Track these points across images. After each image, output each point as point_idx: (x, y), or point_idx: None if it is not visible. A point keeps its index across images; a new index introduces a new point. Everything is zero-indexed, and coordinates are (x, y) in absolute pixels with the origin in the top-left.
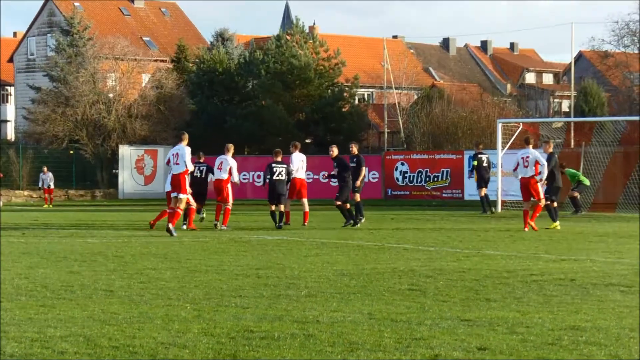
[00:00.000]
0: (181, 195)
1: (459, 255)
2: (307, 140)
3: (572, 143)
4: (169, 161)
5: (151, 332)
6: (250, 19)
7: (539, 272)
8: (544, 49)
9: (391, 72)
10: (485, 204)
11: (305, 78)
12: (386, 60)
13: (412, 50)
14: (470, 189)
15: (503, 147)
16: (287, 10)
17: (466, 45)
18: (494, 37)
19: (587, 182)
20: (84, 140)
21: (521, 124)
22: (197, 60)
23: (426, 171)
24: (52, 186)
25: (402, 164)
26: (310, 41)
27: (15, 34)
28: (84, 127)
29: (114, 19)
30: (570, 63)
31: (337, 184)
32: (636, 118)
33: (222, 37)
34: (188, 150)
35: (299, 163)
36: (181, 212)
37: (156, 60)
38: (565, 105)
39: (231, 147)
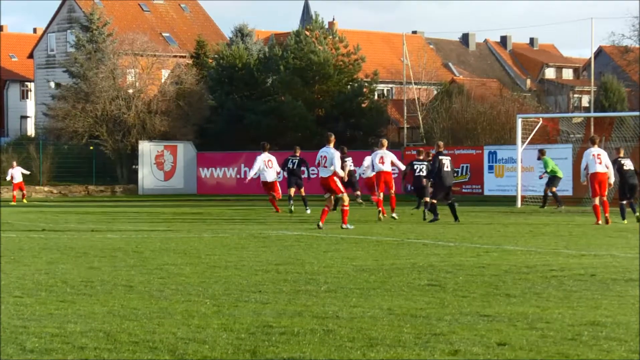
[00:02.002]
0: (339, 196)
1: (479, 251)
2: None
3: None
4: (319, 163)
5: (171, 327)
6: (269, 15)
7: (558, 268)
8: (564, 44)
9: (410, 67)
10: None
11: (325, 74)
12: (405, 56)
13: (431, 46)
14: (490, 185)
15: (523, 143)
16: (306, 6)
17: (486, 41)
18: (513, 33)
19: (561, 174)
20: (103, 136)
21: (541, 119)
22: (216, 56)
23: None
24: (20, 180)
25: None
26: (330, 37)
27: (35, 30)
28: (103, 122)
29: (134, 15)
30: (590, 58)
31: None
32: None
33: (241, 33)
34: (337, 154)
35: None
36: (347, 209)
37: (176, 56)
38: (585, 101)
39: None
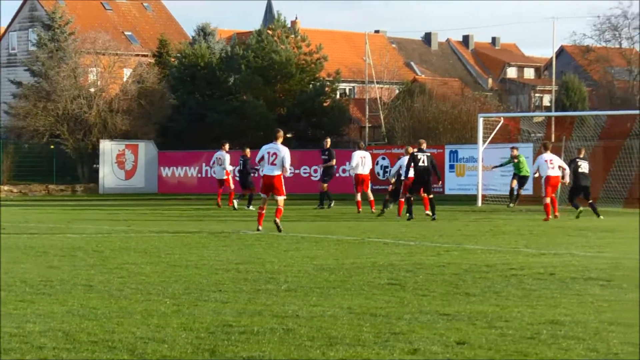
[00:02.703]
0: (280, 198)
1: (439, 250)
2: (289, 135)
3: (553, 137)
4: (262, 158)
5: (130, 326)
6: (233, 14)
7: (518, 266)
8: (526, 44)
9: (373, 66)
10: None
11: (287, 73)
12: (368, 55)
13: (394, 45)
14: (451, 184)
15: (484, 142)
16: (269, 6)
17: (448, 40)
18: (475, 32)
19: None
20: (64, 135)
21: (502, 118)
22: (178, 54)
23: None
24: None
25: (383, 158)
26: (292, 36)
27: None
28: (65, 121)
29: (96, 14)
30: (552, 57)
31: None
32: (615, 112)
33: (204, 32)
34: (288, 152)
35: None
36: (282, 209)
37: (138, 55)
38: (546, 100)
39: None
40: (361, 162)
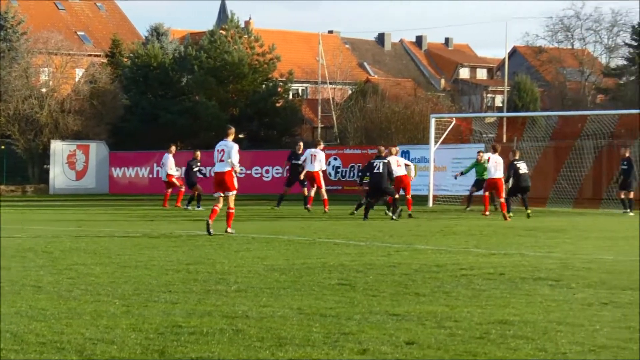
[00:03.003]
0: (230, 193)
1: (390, 250)
2: (241, 136)
3: (505, 138)
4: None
5: (79, 328)
6: (186, 14)
7: (468, 267)
8: (478, 44)
9: (326, 67)
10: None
11: (239, 73)
12: (321, 56)
13: (347, 46)
14: None
15: (436, 142)
16: (223, 6)
17: (401, 41)
18: (428, 33)
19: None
20: (15, 136)
21: (454, 119)
22: (131, 55)
23: (359, 166)
24: None
25: (335, 158)
26: (245, 36)
27: None
28: (15, 122)
29: (49, 14)
30: (504, 58)
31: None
32: (566, 113)
33: (157, 32)
34: (236, 147)
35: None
36: (233, 211)
37: (90, 55)
38: (498, 101)
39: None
40: (311, 159)
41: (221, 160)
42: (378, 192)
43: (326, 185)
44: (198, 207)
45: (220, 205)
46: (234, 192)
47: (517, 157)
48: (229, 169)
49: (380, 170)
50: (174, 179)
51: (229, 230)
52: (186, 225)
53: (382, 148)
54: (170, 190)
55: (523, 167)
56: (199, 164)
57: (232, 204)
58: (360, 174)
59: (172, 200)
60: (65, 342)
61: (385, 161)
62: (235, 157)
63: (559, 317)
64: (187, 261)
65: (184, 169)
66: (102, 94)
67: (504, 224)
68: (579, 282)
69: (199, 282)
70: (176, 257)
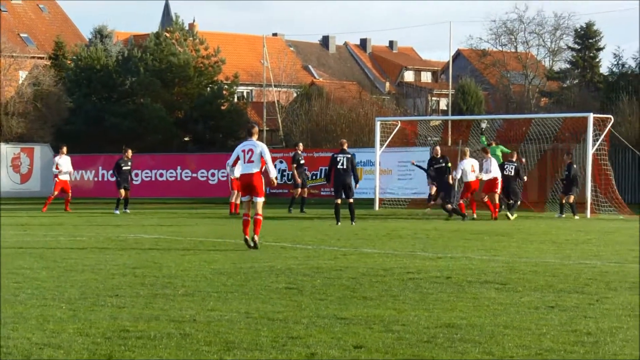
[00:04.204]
0: (258, 199)
1: (337, 254)
2: (186, 139)
3: (450, 141)
4: (236, 160)
5: (25, 332)
6: (129, 16)
7: (415, 270)
8: (423, 47)
9: (271, 69)
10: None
11: (185, 76)
12: (266, 58)
13: (291, 48)
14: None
15: (381, 145)
16: (167, 7)
17: (345, 44)
18: (373, 36)
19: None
20: None
21: (399, 122)
22: (75, 57)
23: (305, 169)
24: None
25: (281, 162)
26: (190, 39)
27: None
28: None
29: None
30: (449, 61)
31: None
32: (511, 116)
33: (100, 34)
34: (266, 147)
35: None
36: (262, 218)
37: (34, 57)
38: (443, 104)
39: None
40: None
41: (250, 161)
42: (343, 189)
43: (272, 188)
44: (125, 209)
45: (249, 212)
46: (262, 198)
47: (466, 157)
48: (257, 170)
49: (345, 166)
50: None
51: (256, 238)
52: (133, 229)
53: (344, 140)
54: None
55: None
56: (130, 163)
57: (260, 210)
58: (327, 170)
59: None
60: (11, 346)
61: (349, 156)
62: (269, 159)
63: (505, 321)
64: (133, 265)
65: (102, 172)
66: (46, 96)
67: (450, 227)
68: (525, 286)
69: (145, 286)
70: (122, 260)
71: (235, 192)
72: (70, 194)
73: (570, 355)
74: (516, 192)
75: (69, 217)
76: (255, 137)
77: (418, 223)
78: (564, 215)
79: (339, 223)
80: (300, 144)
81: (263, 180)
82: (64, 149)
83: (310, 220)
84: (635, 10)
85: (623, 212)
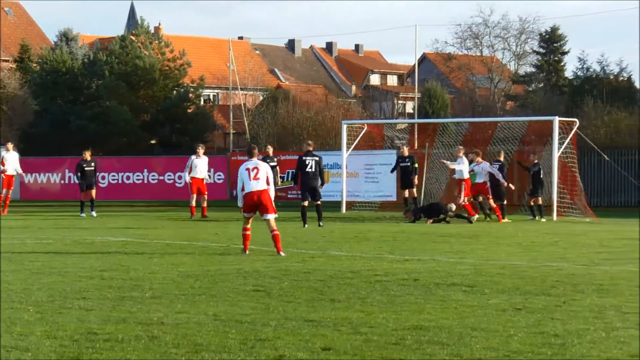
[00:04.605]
0: (270, 216)
1: (304, 256)
2: (152, 142)
3: (416, 144)
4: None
5: None
6: (95, 19)
7: (383, 273)
8: (388, 51)
9: (237, 73)
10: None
11: (150, 79)
12: (232, 61)
13: (257, 52)
14: None
15: (348, 148)
16: (132, 11)
17: (311, 47)
18: (339, 39)
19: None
20: None
21: (366, 125)
22: (40, 60)
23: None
24: None
25: None
26: (156, 42)
27: None
28: None
29: None
30: (414, 65)
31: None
32: (476, 120)
33: (66, 37)
34: (268, 166)
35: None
36: (279, 233)
37: None
38: (409, 107)
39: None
40: (193, 165)
41: (256, 178)
42: (311, 192)
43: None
44: (92, 211)
45: (249, 227)
46: (274, 214)
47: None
48: (266, 187)
49: (313, 169)
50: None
51: (282, 253)
52: (100, 231)
53: (311, 142)
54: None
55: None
56: (93, 164)
57: (274, 226)
58: (294, 172)
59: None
60: None
61: (317, 159)
62: (272, 180)
63: (473, 323)
64: (101, 268)
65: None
66: (11, 99)
67: (418, 230)
68: (492, 288)
69: (113, 289)
70: (90, 263)
71: (195, 195)
72: (10, 191)
73: (538, 356)
74: (503, 192)
75: (35, 219)
76: (256, 158)
77: (385, 225)
78: (536, 218)
79: (306, 225)
80: (270, 147)
81: (272, 197)
82: (9, 145)
83: (277, 222)
84: (599, 15)
85: (589, 215)
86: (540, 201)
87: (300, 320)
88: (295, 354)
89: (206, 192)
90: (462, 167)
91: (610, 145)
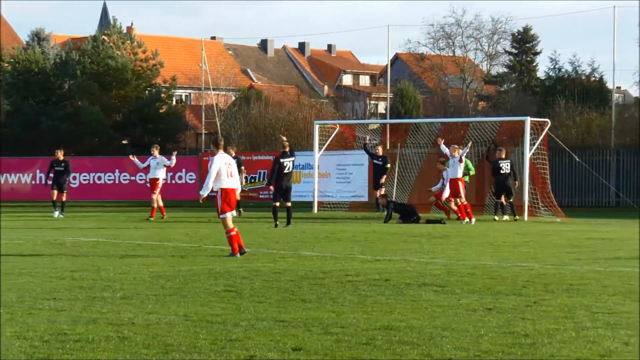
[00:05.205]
0: (231, 214)
1: (275, 257)
2: (124, 142)
3: (388, 144)
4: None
5: None
6: (67, 19)
7: (354, 273)
8: (361, 51)
9: (209, 73)
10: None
11: (123, 79)
12: (204, 62)
13: (230, 52)
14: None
15: (320, 149)
16: (104, 10)
17: (284, 47)
18: (311, 39)
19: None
20: None
21: (338, 125)
22: (12, 60)
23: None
24: None
25: None
26: (128, 42)
27: None
28: None
29: None
30: (387, 65)
31: None
32: (449, 120)
33: (38, 37)
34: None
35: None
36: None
37: None
38: (381, 107)
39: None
40: (156, 165)
41: (231, 176)
42: (284, 193)
43: (211, 191)
44: (62, 213)
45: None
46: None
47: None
48: (239, 185)
49: (289, 170)
50: None
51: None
52: (71, 232)
53: (286, 143)
54: None
55: None
56: (63, 164)
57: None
58: (269, 173)
59: None
60: None
61: (293, 159)
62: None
63: (444, 323)
64: (71, 268)
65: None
66: None
67: (389, 230)
68: (463, 288)
69: (84, 289)
70: (60, 264)
71: (155, 196)
72: None
73: (508, 356)
74: (512, 191)
75: (6, 220)
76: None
77: (357, 226)
78: (517, 217)
79: (277, 225)
80: (232, 148)
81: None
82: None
83: (249, 223)
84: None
85: (559, 215)
86: (511, 199)
87: (271, 320)
88: (266, 354)
89: (156, 191)
90: (457, 167)
91: (581, 146)
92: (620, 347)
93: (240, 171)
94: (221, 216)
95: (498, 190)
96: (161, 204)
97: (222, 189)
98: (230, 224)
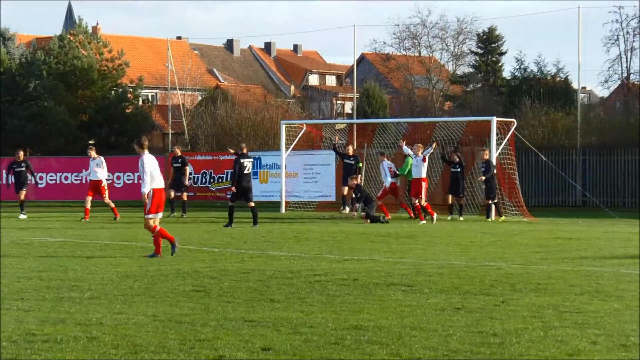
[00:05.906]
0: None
1: (244, 256)
2: (91, 142)
3: (355, 144)
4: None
5: None
6: (32, 19)
7: (322, 273)
8: (327, 51)
9: (175, 73)
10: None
11: (89, 79)
12: (170, 62)
13: (196, 52)
14: (254, 191)
15: (287, 149)
16: (70, 10)
17: (250, 47)
18: (277, 39)
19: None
20: None
21: (305, 125)
22: None
23: (210, 172)
24: None
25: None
26: (94, 42)
27: None
28: None
29: None
30: (353, 65)
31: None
32: (415, 120)
33: (2, 37)
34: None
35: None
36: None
37: None
38: (348, 107)
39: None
40: (95, 166)
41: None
42: (245, 193)
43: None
44: (22, 213)
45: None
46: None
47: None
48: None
49: (249, 170)
50: None
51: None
52: (38, 232)
53: (244, 145)
54: None
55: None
56: (24, 165)
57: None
58: (233, 174)
59: None
60: None
61: (252, 160)
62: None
63: (412, 322)
64: (39, 268)
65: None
66: None
67: (356, 230)
68: (431, 288)
69: (51, 290)
70: (28, 264)
71: (90, 198)
72: None
73: (477, 356)
74: (494, 190)
75: None
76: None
77: (325, 226)
78: (502, 218)
79: (232, 225)
80: (178, 148)
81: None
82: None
83: (217, 223)
84: (536, 15)
85: (526, 215)
86: (462, 200)
87: (240, 320)
88: (234, 354)
89: (105, 194)
90: (421, 167)
91: (547, 146)
92: (589, 347)
93: (184, 171)
94: (147, 216)
95: (487, 192)
96: (112, 205)
97: (153, 190)
98: (153, 224)
